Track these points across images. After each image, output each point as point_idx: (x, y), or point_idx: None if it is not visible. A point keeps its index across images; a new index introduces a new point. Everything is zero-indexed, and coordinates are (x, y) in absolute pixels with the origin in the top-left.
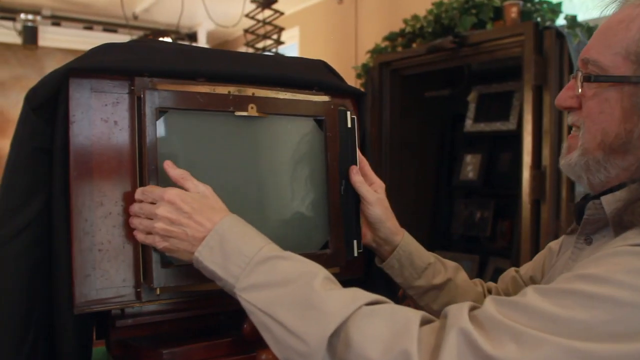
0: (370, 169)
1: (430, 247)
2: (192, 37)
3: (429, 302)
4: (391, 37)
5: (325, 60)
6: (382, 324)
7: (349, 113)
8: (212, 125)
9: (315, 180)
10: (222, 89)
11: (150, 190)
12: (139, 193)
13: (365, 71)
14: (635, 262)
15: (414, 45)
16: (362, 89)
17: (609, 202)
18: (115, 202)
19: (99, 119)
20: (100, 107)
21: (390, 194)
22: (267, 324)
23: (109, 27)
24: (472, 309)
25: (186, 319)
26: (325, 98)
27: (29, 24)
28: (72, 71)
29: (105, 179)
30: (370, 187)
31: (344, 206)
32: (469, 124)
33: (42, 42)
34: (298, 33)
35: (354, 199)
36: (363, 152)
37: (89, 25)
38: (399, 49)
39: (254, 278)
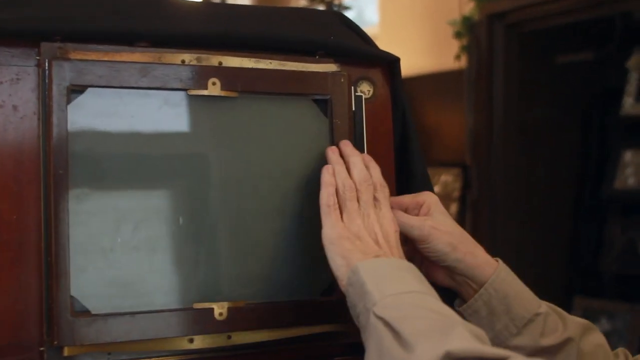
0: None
1: (566, 291)
2: None
3: None
4: None
5: (417, 13)
6: None
7: (353, 88)
8: (152, 111)
9: (315, 191)
10: (172, 57)
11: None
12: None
13: (467, 28)
14: None
15: None
16: (464, 55)
17: None
18: (8, 224)
19: None
20: None
21: (505, 211)
22: (382, 335)
23: None
24: None
25: None
26: (333, 67)
27: None
28: None
29: None
30: (411, 214)
31: None
32: (629, 104)
33: None
34: None
35: None
36: (403, 148)
37: None
38: None
39: (400, 302)
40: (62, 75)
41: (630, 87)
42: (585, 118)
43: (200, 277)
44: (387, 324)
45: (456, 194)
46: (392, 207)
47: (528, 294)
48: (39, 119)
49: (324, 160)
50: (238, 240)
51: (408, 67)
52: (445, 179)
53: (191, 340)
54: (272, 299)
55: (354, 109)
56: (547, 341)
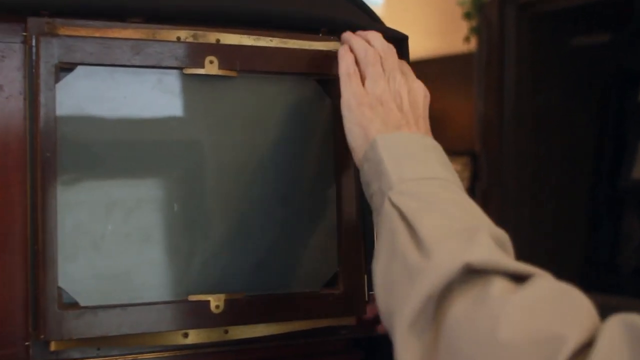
0: None
1: (582, 287)
2: None
3: None
4: None
5: None
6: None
7: None
8: (146, 91)
9: (317, 176)
10: (167, 34)
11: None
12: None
13: (477, 8)
14: None
15: None
16: (474, 37)
17: None
18: None
19: None
20: None
21: (516, 203)
22: (397, 231)
23: None
24: None
25: None
26: (336, 45)
27: None
28: None
29: None
30: None
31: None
32: None
33: None
34: None
35: None
36: None
37: None
38: None
39: (420, 189)
40: (50, 52)
41: None
42: (601, 104)
43: (195, 267)
44: (403, 216)
45: (465, 183)
46: None
47: None
48: (25, 99)
49: (327, 145)
50: (236, 229)
51: (414, 50)
52: (454, 168)
53: (185, 335)
54: (271, 291)
55: None
56: None
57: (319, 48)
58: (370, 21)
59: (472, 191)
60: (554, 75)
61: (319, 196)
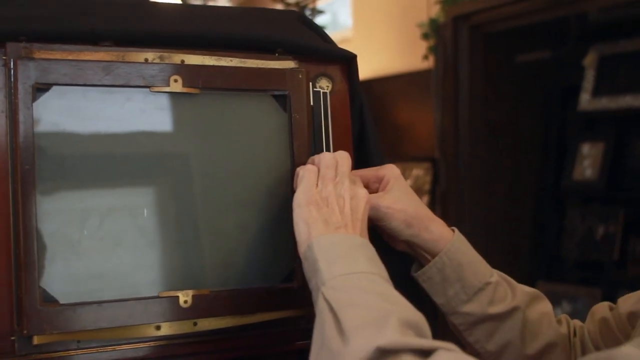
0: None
1: (531, 276)
2: None
3: (480, 338)
4: None
5: (388, 16)
6: None
7: (312, 84)
8: (116, 109)
9: (275, 183)
10: (136, 56)
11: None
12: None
13: (434, 29)
14: None
15: None
16: (431, 55)
17: None
18: None
19: None
20: None
21: (472, 202)
22: (326, 322)
23: None
24: None
25: None
26: (291, 64)
27: None
28: None
29: None
30: (372, 188)
31: None
32: (586, 100)
33: None
34: None
35: None
36: (361, 142)
37: None
38: None
39: (347, 283)
40: (27, 74)
41: (587, 84)
42: (545, 113)
43: (165, 266)
44: (331, 308)
45: (427, 187)
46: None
47: (481, 264)
48: (6, 117)
49: (283, 153)
50: (202, 231)
51: (380, 68)
52: (417, 172)
53: (158, 327)
54: (234, 286)
55: (312, 103)
56: (495, 309)
57: (275, 67)
58: (323, 42)
59: (433, 193)
60: (503, 88)
61: (277, 199)
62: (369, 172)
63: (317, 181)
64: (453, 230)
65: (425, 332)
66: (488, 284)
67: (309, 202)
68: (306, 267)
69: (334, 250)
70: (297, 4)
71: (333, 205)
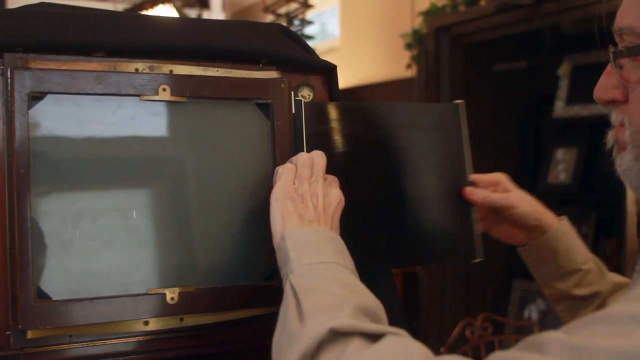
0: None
1: (508, 274)
2: (204, 3)
3: (564, 310)
4: None
5: (374, 27)
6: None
7: (294, 93)
8: (107, 116)
9: (258, 187)
10: (126, 66)
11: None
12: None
13: (417, 40)
14: None
15: (482, 2)
16: (414, 64)
17: None
18: None
19: None
20: None
21: None
22: (289, 306)
23: None
24: None
25: None
26: (274, 74)
27: None
28: None
29: None
30: (490, 191)
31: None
32: (560, 107)
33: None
34: None
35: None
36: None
37: None
38: (461, 8)
39: (313, 272)
40: (23, 83)
41: (561, 92)
42: (522, 120)
43: (153, 265)
44: (295, 293)
45: None
46: (477, 185)
47: (577, 252)
48: (3, 123)
49: (266, 159)
50: (188, 232)
51: (366, 76)
52: None
53: (146, 323)
54: (219, 284)
55: (294, 111)
56: (579, 292)
57: (259, 77)
58: (306, 54)
59: None
60: (482, 96)
61: (259, 202)
62: (484, 177)
63: (294, 179)
64: (561, 219)
65: (381, 320)
66: (578, 270)
67: (285, 197)
68: (279, 257)
69: (304, 241)
70: (287, 15)
71: (307, 202)
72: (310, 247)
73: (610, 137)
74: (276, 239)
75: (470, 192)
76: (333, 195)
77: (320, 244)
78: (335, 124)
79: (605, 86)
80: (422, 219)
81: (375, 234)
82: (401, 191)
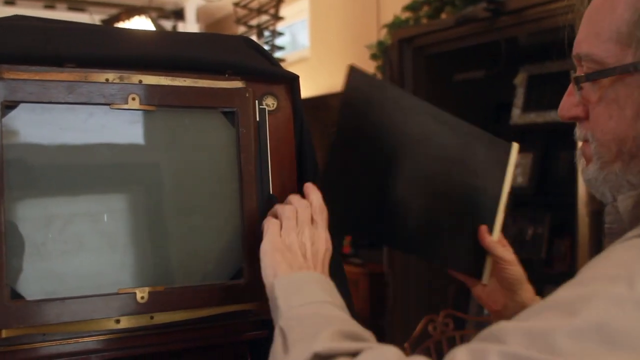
0: None
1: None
2: (179, 15)
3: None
4: (414, 7)
5: (342, 38)
6: None
7: (258, 102)
8: (79, 124)
9: (224, 191)
10: (97, 77)
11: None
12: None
13: (381, 51)
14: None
15: (443, 15)
16: (380, 73)
17: (622, 200)
18: None
19: None
20: None
21: None
22: (276, 341)
23: (75, 6)
24: None
25: None
26: (239, 84)
27: None
28: None
29: None
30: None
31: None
32: (517, 115)
33: None
34: (308, 6)
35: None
36: (298, 155)
37: (50, 3)
38: (424, 21)
39: (300, 312)
40: None
41: (517, 101)
42: (481, 127)
43: (124, 266)
44: (282, 331)
45: None
46: (492, 241)
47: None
48: None
49: (232, 164)
50: (158, 235)
51: (334, 84)
52: None
53: (117, 321)
54: (187, 283)
55: (258, 119)
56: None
57: (224, 86)
58: (269, 65)
59: None
60: (443, 104)
61: (226, 205)
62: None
63: (280, 231)
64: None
65: (365, 338)
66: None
67: (274, 249)
68: (271, 306)
69: (292, 286)
70: (258, 26)
71: (296, 251)
72: (299, 290)
73: (578, 153)
74: (268, 290)
75: (484, 231)
76: (321, 242)
77: (309, 287)
78: (389, 104)
79: (568, 105)
80: (452, 226)
81: (415, 218)
82: (439, 193)
